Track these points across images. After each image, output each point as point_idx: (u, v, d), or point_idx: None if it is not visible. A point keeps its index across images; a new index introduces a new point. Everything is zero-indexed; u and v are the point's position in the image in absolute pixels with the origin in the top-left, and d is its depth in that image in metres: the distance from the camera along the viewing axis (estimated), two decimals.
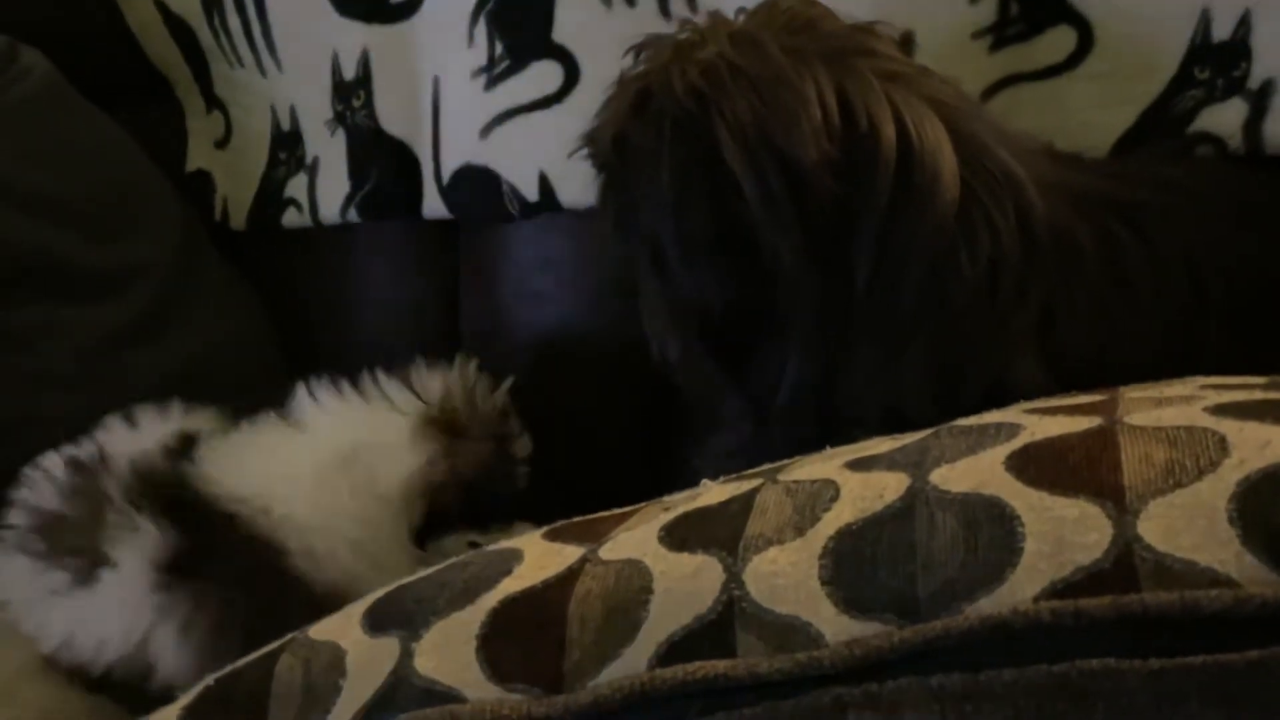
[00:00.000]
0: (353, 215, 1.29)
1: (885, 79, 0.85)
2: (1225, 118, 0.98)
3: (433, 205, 1.26)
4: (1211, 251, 0.87)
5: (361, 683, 0.66)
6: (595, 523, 0.73)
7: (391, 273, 1.31)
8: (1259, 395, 0.60)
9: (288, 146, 1.34)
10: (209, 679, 0.70)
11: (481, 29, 1.21)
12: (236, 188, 1.38)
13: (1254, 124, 0.97)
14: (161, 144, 1.37)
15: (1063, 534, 0.54)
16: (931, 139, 0.83)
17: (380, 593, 0.72)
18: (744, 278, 0.86)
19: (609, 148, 0.90)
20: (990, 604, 0.54)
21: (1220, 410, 0.58)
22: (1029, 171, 0.86)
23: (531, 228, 1.24)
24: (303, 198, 1.32)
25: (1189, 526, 0.51)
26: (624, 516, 0.73)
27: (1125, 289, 0.86)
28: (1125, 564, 0.51)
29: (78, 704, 0.80)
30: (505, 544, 0.72)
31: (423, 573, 0.73)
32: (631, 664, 0.61)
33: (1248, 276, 0.87)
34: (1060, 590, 0.52)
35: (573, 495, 1.11)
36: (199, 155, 1.42)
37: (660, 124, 0.85)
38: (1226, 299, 0.86)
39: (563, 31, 1.18)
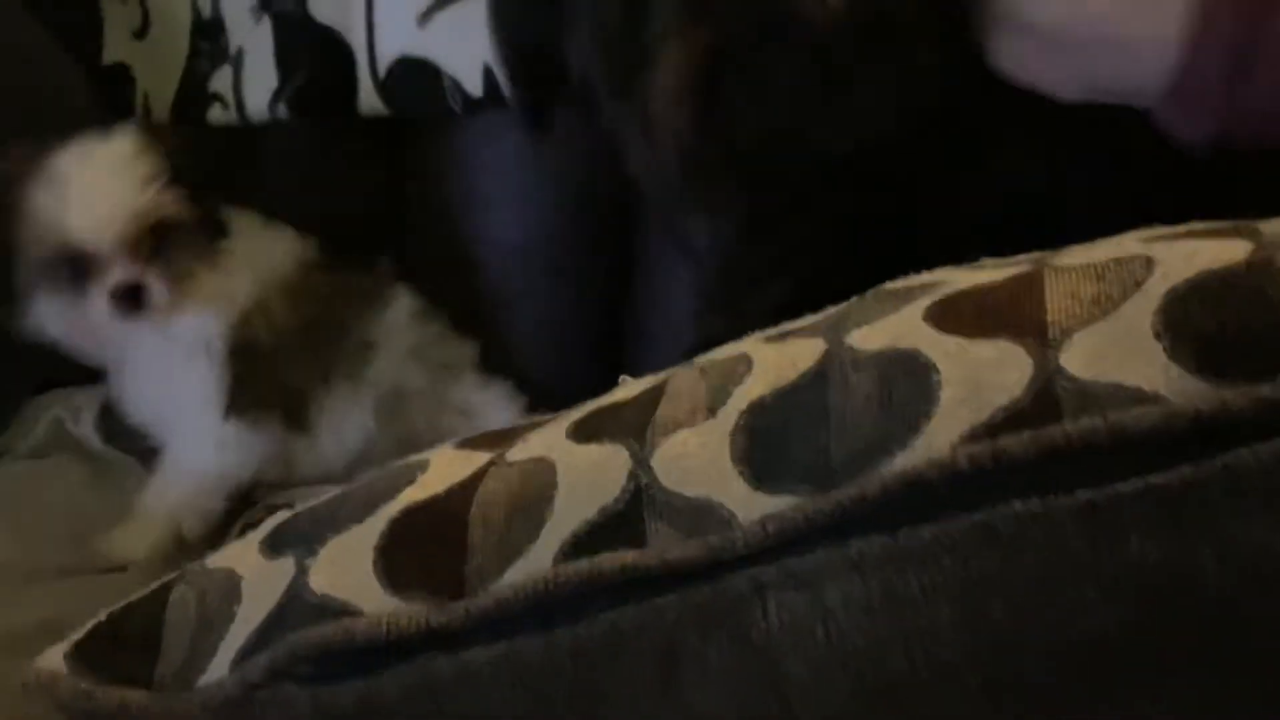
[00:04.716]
0: (282, 112, 1.20)
1: None
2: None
3: (369, 100, 1.18)
4: None
5: (255, 605, 0.61)
6: (511, 430, 0.69)
7: (328, 176, 1.24)
8: (1200, 227, 0.55)
9: (209, 36, 1.24)
10: (100, 615, 0.66)
11: None
12: (157, 82, 1.28)
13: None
14: (75, 32, 1.27)
15: (980, 377, 0.49)
16: None
17: (282, 517, 0.68)
18: None
19: None
20: (906, 460, 0.49)
21: (1154, 238, 0.52)
22: None
23: (479, 126, 1.16)
24: (228, 92, 1.23)
25: (1112, 349, 0.46)
26: (543, 422, 0.68)
27: None
28: (1046, 398, 0.46)
29: (80, 605, 0.77)
30: (416, 456, 0.68)
31: (328, 494, 0.68)
32: (536, 563, 0.56)
33: None
34: (978, 435, 0.47)
35: (533, 404, 1.09)
36: (116, 46, 1.31)
37: None
38: None
39: None
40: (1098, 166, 0.76)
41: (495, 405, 1.08)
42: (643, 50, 0.73)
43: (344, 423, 1.05)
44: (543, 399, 1.04)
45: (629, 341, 1.15)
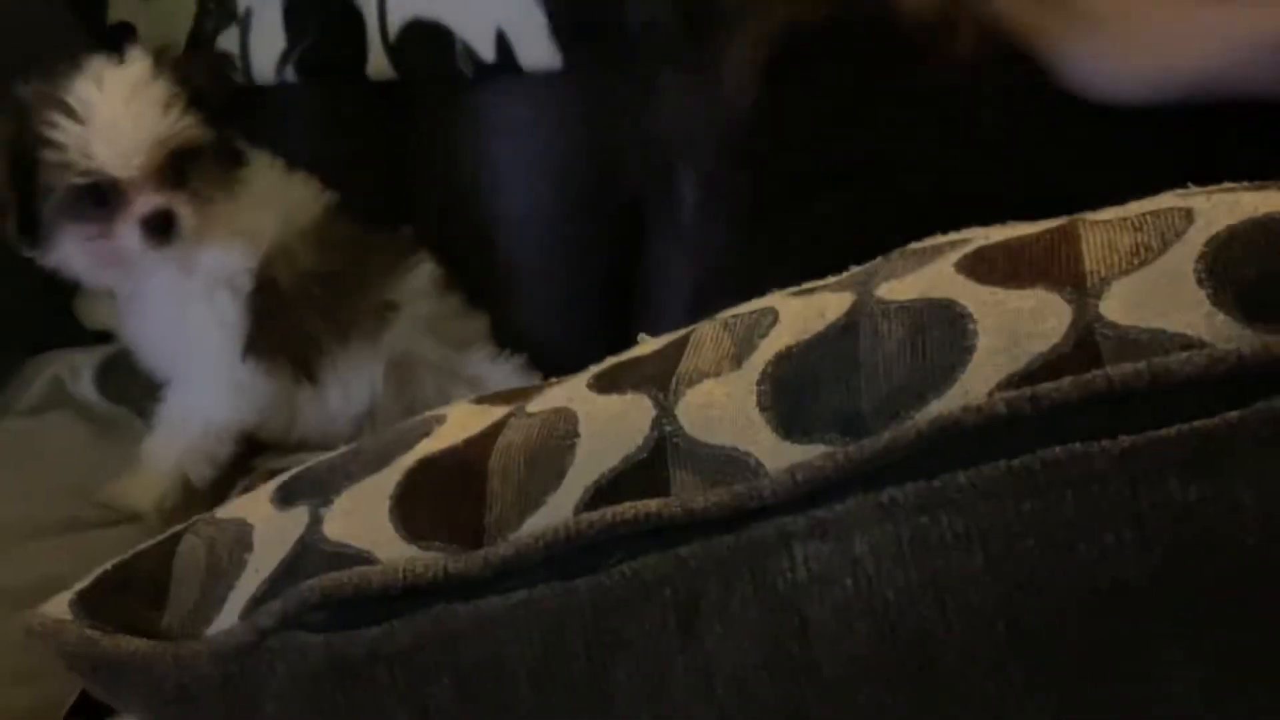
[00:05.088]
0: (289, 74, 1.18)
1: None
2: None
3: (378, 64, 1.16)
4: None
5: (267, 554, 0.61)
6: (529, 388, 0.68)
7: (335, 141, 1.21)
8: (1238, 185, 0.54)
9: None
10: (107, 564, 0.65)
11: None
12: (164, 42, 1.29)
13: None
14: None
15: (1018, 326, 0.48)
16: None
17: (295, 469, 0.67)
18: None
19: None
20: (941, 406, 0.48)
21: (1191, 194, 0.52)
22: None
23: (490, 92, 1.15)
24: (235, 53, 1.23)
25: (1154, 296, 0.46)
26: (560, 380, 0.67)
27: None
28: (1086, 345, 0.46)
29: (82, 562, 0.76)
30: (432, 411, 0.67)
31: (342, 449, 0.68)
32: (557, 512, 0.56)
33: None
34: (1016, 382, 0.47)
35: (541, 369, 1.08)
36: (121, 6, 1.28)
37: None
38: None
39: None
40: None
41: (508, 381, 1.06)
42: (720, 11, 0.73)
43: (353, 382, 1.03)
44: (555, 374, 1.03)
45: (638, 313, 1.14)
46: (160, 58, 0.99)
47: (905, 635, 0.50)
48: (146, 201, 0.94)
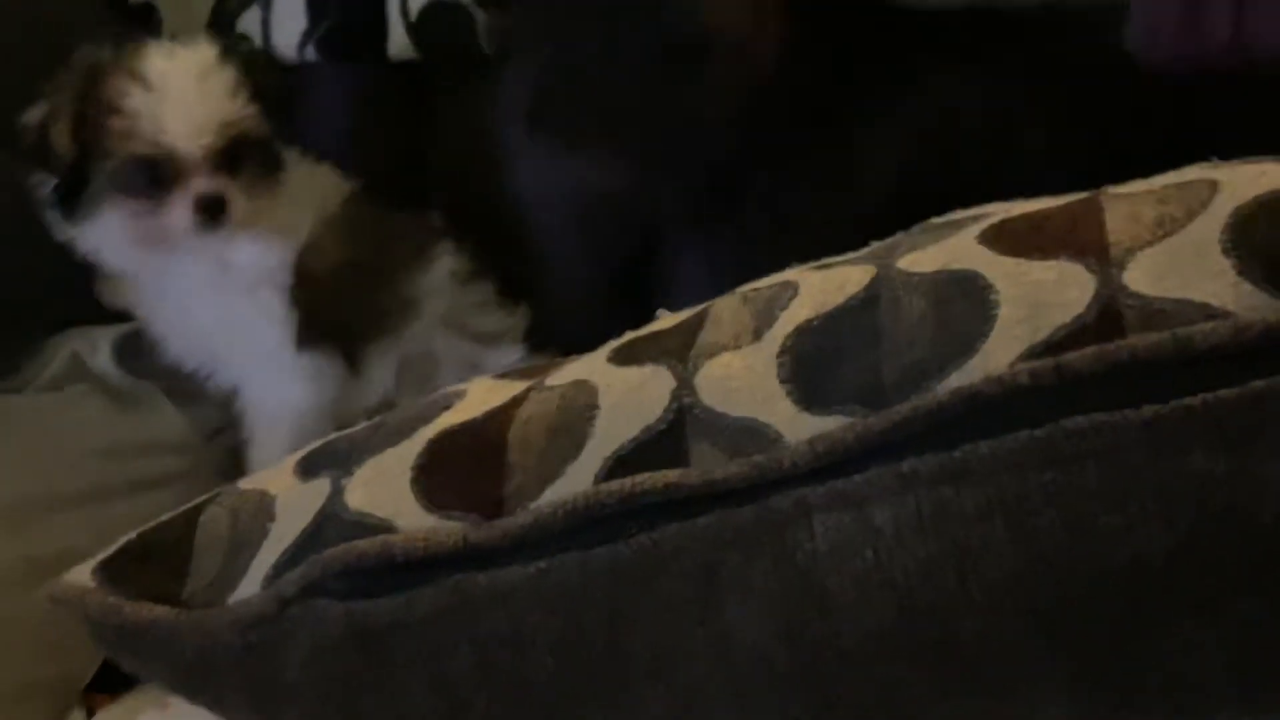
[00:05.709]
0: (310, 55, 1.17)
1: None
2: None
3: (399, 44, 1.16)
4: None
5: (290, 523, 0.61)
6: (548, 364, 0.68)
7: (356, 122, 1.21)
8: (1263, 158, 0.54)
9: None
10: (131, 534, 0.65)
11: None
12: (184, 22, 1.26)
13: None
14: None
15: (1040, 297, 0.48)
16: None
17: (316, 443, 0.67)
18: None
19: None
20: (963, 378, 0.48)
21: (1214, 167, 0.52)
22: None
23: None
24: (256, 34, 1.21)
25: (1179, 267, 0.46)
26: (580, 356, 0.68)
27: None
28: (1110, 315, 0.46)
29: (102, 533, 0.77)
30: (452, 387, 0.67)
31: (363, 424, 0.68)
32: (576, 482, 0.56)
33: None
34: (1039, 353, 0.47)
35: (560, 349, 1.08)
36: None
37: None
38: None
39: None
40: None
41: None
42: None
43: (370, 375, 1.04)
44: (569, 343, 1.03)
45: (655, 295, 1.13)
46: (227, 46, 0.99)
47: (924, 608, 0.50)
48: (202, 183, 0.95)
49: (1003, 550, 0.47)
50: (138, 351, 1.06)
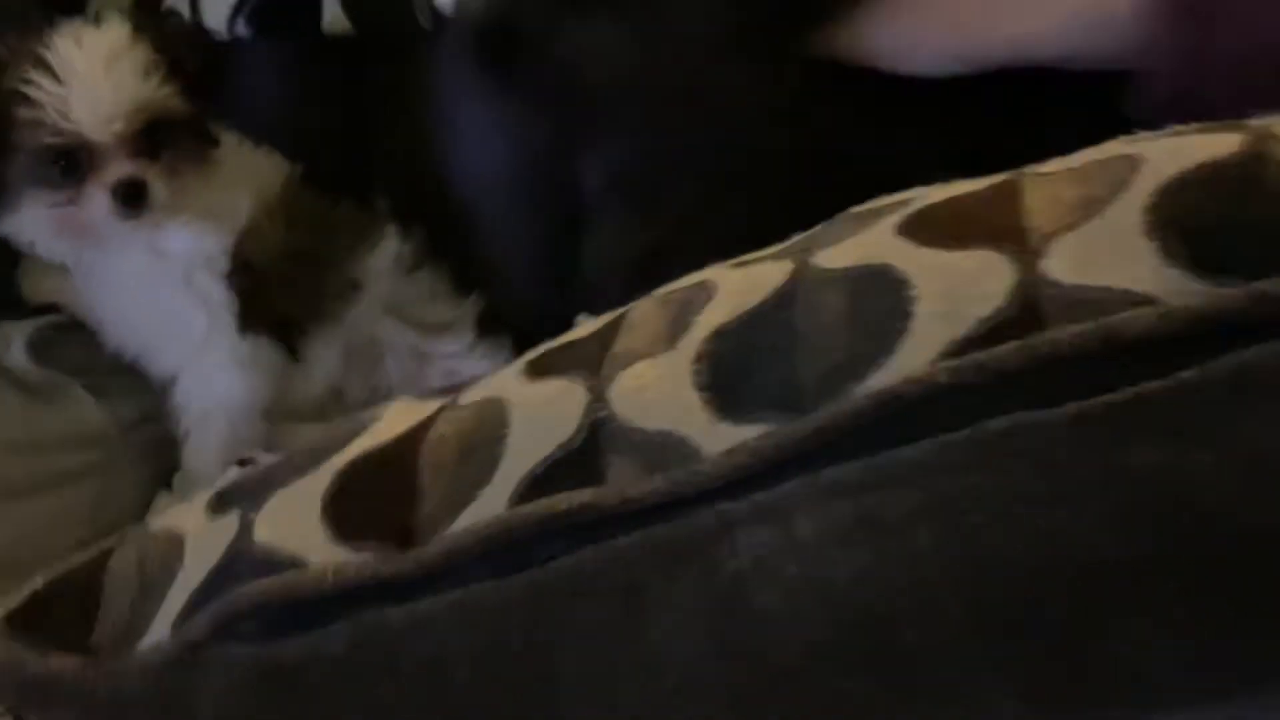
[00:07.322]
0: (241, 29, 1.11)
1: None
2: None
3: (334, 17, 1.11)
4: None
5: (198, 564, 0.58)
6: (470, 381, 0.65)
7: (291, 99, 1.17)
8: (1185, 127, 0.52)
9: None
10: (37, 581, 0.62)
11: None
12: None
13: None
14: None
15: (958, 289, 0.46)
16: None
17: (230, 477, 0.64)
18: None
19: None
20: (881, 379, 0.46)
21: (1138, 140, 0.49)
22: None
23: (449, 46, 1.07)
24: (184, 7, 1.19)
25: (1100, 252, 0.43)
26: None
27: None
28: (1031, 306, 0.43)
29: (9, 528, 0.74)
30: (369, 411, 0.65)
31: (277, 454, 0.65)
32: (490, 506, 0.53)
33: None
34: (959, 349, 0.44)
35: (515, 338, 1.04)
36: None
37: None
38: None
39: None
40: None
41: (487, 369, 1.03)
42: None
43: (314, 363, 1.01)
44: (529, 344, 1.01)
45: (579, 292, 1.11)
46: (140, 23, 0.95)
47: (859, 618, 0.47)
48: (118, 169, 0.91)
49: (932, 557, 0.45)
50: (52, 344, 1.03)
